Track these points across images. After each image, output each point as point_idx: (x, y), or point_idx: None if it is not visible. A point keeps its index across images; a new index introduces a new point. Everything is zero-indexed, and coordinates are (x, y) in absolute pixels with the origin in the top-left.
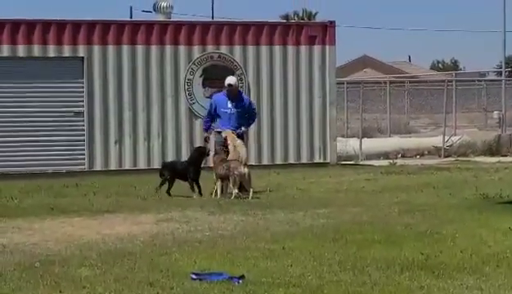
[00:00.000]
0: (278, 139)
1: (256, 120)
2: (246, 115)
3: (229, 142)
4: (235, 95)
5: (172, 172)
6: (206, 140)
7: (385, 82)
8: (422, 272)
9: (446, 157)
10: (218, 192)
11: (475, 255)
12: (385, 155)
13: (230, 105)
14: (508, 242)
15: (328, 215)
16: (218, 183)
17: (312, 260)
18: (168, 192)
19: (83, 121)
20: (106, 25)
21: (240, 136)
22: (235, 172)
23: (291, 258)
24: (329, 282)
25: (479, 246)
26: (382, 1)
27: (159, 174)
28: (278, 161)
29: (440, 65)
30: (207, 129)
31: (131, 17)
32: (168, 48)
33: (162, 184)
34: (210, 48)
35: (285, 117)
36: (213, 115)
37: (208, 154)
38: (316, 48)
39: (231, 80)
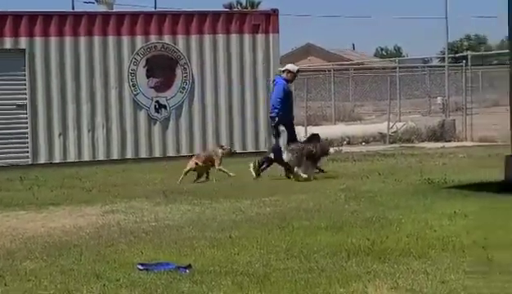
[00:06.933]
0: (223, 128)
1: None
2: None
3: None
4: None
5: None
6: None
7: (329, 70)
8: (368, 257)
9: (391, 143)
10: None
11: (421, 239)
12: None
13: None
14: (453, 227)
15: (274, 202)
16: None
17: (258, 248)
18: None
19: (26, 113)
20: (48, 17)
21: None
22: None
23: (238, 246)
24: (276, 269)
25: (425, 230)
26: None
27: None
28: None
29: (383, 52)
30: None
31: (73, 8)
32: (111, 39)
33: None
34: (153, 38)
35: (230, 106)
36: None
37: None
38: (260, 37)
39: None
